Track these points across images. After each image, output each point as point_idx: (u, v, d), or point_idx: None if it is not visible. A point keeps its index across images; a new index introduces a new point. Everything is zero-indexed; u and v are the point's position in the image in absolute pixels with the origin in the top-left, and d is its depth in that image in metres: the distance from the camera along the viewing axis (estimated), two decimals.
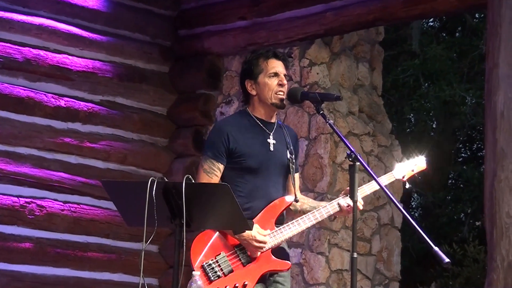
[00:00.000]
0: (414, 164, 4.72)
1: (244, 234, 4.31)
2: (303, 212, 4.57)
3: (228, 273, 4.25)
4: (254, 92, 4.54)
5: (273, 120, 4.61)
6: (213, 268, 4.22)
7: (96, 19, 7.81)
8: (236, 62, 7.95)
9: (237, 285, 4.25)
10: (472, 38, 12.40)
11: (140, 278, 3.84)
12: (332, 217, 4.69)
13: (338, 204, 4.50)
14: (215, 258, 4.26)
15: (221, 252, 4.28)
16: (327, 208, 4.51)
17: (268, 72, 4.52)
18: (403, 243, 8.07)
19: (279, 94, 4.51)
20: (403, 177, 4.68)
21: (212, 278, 4.21)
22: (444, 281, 11.40)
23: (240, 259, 4.31)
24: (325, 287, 7.28)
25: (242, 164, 4.45)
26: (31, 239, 7.37)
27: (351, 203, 4.27)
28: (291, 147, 4.61)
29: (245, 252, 4.33)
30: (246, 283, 4.28)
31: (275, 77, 4.53)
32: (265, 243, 4.35)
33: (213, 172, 4.43)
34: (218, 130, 4.52)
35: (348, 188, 4.38)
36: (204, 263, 4.22)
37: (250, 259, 4.33)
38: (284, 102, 4.55)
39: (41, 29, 7.48)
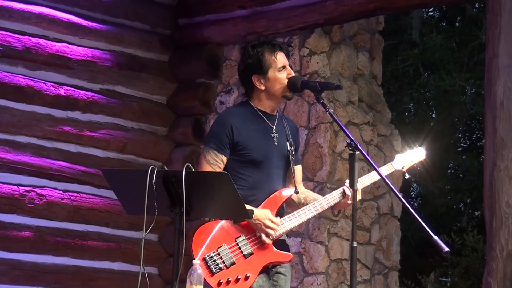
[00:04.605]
0: (414, 155, 4.75)
1: (257, 214, 4.32)
2: (306, 205, 4.56)
3: (230, 265, 4.25)
4: (263, 87, 4.52)
5: (275, 113, 4.62)
6: (215, 261, 4.21)
7: (96, 7, 7.80)
8: (235, 51, 7.94)
9: (239, 277, 4.25)
10: (472, 28, 12.37)
11: (140, 267, 3.84)
12: (335, 212, 4.69)
13: (343, 192, 4.49)
14: (217, 251, 4.25)
15: (223, 244, 4.27)
16: (327, 199, 4.51)
17: (277, 67, 4.52)
18: (402, 233, 8.08)
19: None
20: (403, 168, 4.71)
21: (214, 271, 4.21)
22: (443, 270, 11.42)
23: (242, 251, 4.30)
24: (324, 276, 7.29)
25: (246, 157, 4.45)
26: (30, 228, 7.38)
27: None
28: (291, 139, 4.61)
29: (246, 244, 4.32)
30: (248, 275, 4.27)
31: (283, 70, 4.53)
32: (277, 225, 4.36)
33: (216, 164, 4.42)
34: (222, 121, 4.49)
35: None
36: (205, 256, 4.21)
37: (252, 251, 4.33)
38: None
39: (41, 18, 7.47)
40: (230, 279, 4.22)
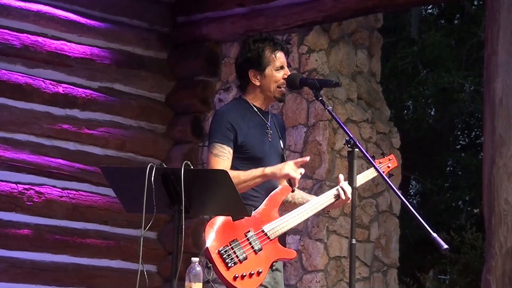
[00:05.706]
0: (391, 161, 4.87)
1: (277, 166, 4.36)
2: (294, 203, 4.57)
3: (243, 260, 4.25)
4: (258, 83, 4.53)
5: (267, 110, 4.63)
6: (229, 255, 4.21)
7: (94, 5, 7.79)
8: (234, 48, 7.93)
9: (252, 272, 4.25)
10: (470, 25, 12.39)
11: (139, 265, 3.84)
12: (325, 211, 4.67)
13: (341, 188, 4.49)
14: (230, 245, 4.25)
15: (235, 239, 4.28)
16: (324, 198, 4.51)
17: (275, 66, 4.52)
18: (401, 230, 8.08)
19: (282, 88, 4.52)
20: (384, 172, 4.80)
21: (230, 265, 4.21)
22: (442, 267, 11.41)
23: (252, 247, 4.29)
24: (323, 274, 7.29)
25: (247, 154, 4.45)
26: (29, 226, 7.38)
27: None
28: (280, 137, 4.63)
29: (256, 240, 4.31)
30: (260, 270, 4.28)
31: (281, 70, 4.53)
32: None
33: (224, 155, 4.40)
34: (222, 118, 4.48)
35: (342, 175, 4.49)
36: (220, 249, 4.21)
37: (261, 247, 4.33)
38: (285, 95, 4.58)
39: (39, 16, 7.46)
40: (244, 274, 4.22)
